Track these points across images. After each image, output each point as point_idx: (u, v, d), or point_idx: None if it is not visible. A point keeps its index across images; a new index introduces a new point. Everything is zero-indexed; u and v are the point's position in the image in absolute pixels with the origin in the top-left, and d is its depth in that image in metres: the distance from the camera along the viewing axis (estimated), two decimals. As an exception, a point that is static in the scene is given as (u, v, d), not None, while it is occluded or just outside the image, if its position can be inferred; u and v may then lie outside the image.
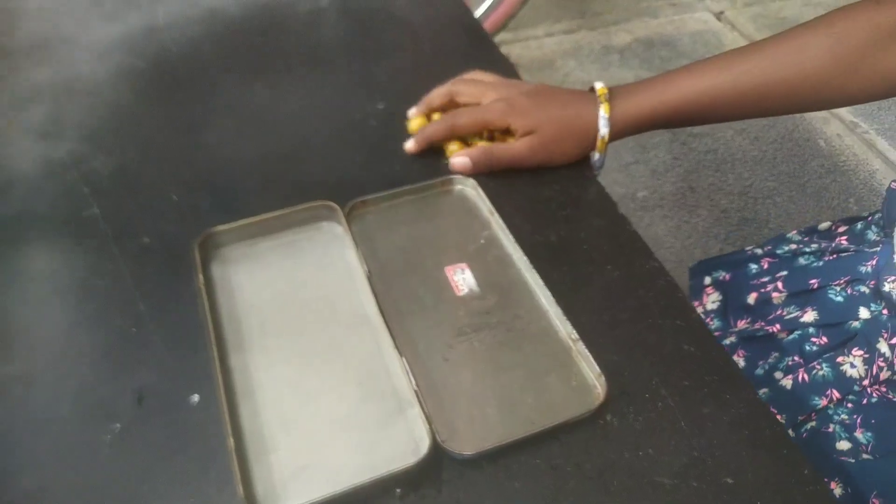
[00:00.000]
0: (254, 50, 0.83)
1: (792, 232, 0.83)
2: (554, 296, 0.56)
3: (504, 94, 0.67)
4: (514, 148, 0.66)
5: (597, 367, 0.51)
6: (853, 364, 0.67)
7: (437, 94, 0.70)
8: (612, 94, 0.67)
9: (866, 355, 0.67)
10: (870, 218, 0.76)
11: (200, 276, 0.56)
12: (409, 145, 0.69)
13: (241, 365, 0.52)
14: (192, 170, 0.68)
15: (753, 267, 0.81)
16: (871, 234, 0.74)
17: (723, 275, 0.83)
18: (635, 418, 0.50)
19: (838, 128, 1.96)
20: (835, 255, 0.75)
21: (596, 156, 0.69)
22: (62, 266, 0.60)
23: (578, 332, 0.54)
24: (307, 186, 0.65)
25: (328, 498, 0.44)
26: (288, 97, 0.76)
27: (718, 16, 2.45)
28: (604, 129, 0.67)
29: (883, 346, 0.66)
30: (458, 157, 0.66)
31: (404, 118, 0.73)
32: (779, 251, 0.80)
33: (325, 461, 0.47)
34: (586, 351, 0.52)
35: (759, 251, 0.82)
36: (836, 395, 0.66)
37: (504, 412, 0.50)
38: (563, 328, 0.54)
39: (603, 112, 0.66)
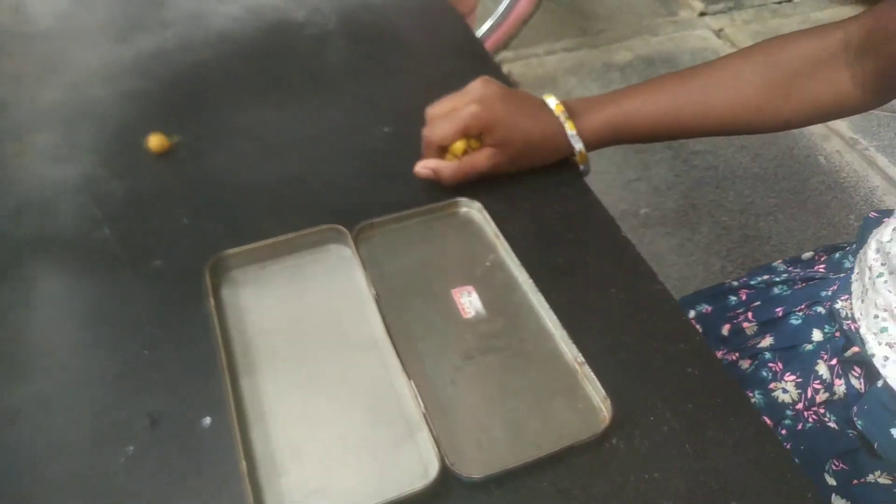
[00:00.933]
0: (262, 73, 0.84)
1: (778, 262, 0.84)
2: (559, 319, 0.57)
3: (478, 95, 0.67)
4: (478, 162, 0.67)
5: (602, 391, 0.52)
6: (785, 389, 0.68)
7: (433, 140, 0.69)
8: (571, 110, 0.70)
9: (799, 379, 0.68)
10: (847, 248, 0.77)
11: (211, 300, 0.57)
12: (420, 170, 0.70)
13: (252, 388, 0.53)
14: (201, 193, 0.69)
15: (732, 299, 0.82)
16: (847, 263, 0.75)
17: (704, 308, 0.84)
18: (641, 441, 0.51)
19: (838, 144, 1.98)
20: (803, 284, 0.76)
21: (581, 167, 0.72)
22: (75, 288, 0.61)
23: (584, 355, 0.54)
24: (315, 209, 0.66)
25: (339, 521, 0.45)
26: (296, 120, 0.77)
27: (718, 33, 2.47)
28: (578, 145, 0.69)
29: (821, 368, 0.67)
30: (424, 169, 0.68)
31: (410, 141, 0.74)
32: (752, 282, 0.81)
33: (336, 484, 0.48)
34: (592, 374, 0.53)
35: (736, 283, 0.83)
36: (768, 422, 0.66)
37: (511, 435, 0.50)
38: (569, 351, 0.55)
39: (569, 129, 0.69)
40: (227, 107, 0.79)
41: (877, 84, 0.65)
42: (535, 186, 0.71)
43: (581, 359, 0.54)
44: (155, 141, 0.70)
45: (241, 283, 0.60)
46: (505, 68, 2.22)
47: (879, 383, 0.62)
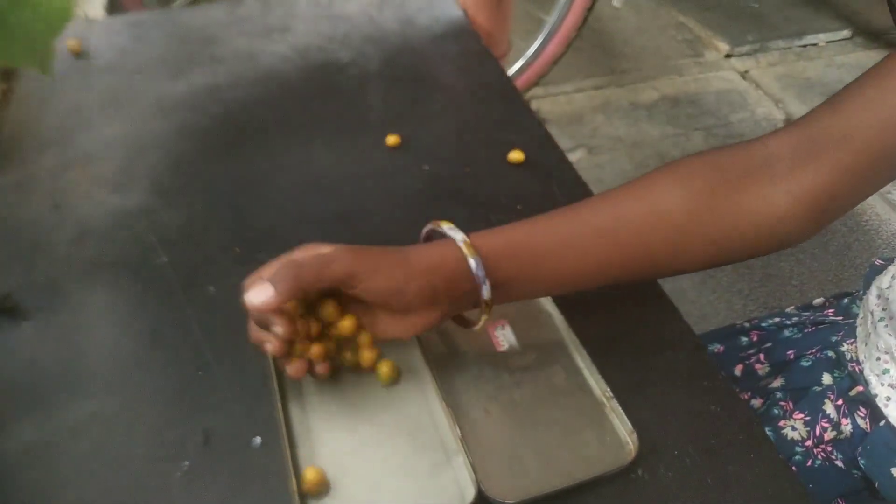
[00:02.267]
0: (308, 111, 0.89)
1: (790, 308, 0.86)
2: (589, 354, 0.60)
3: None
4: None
5: (629, 424, 0.55)
6: (794, 427, 0.70)
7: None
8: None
9: (808, 417, 0.70)
10: (856, 293, 0.80)
11: (264, 326, 0.61)
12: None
13: (300, 411, 0.56)
14: (253, 225, 0.73)
15: (744, 339, 0.84)
16: (855, 309, 0.78)
17: (717, 347, 0.85)
18: (665, 473, 0.54)
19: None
20: (813, 328, 0.78)
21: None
22: (133, 311, 0.65)
23: (611, 389, 0.58)
24: (359, 242, 0.69)
25: (380, 539, 0.48)
26: (341, 158, 0.82)
27: (743, 75, 2.51)
28: (485, 290, 0.53)
29: (828, 407, 0.69)
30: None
31: (448, 180, 0.78)
32: (764, 324, 0.83)
33: (378, 504, 0.51)
34: (619, 408, 0.56)
35: (747, 325, 0.85)
36: None
37: (542, 464, 0.54)
38: (598, 386, 0.58)
39: (475, 265, 0.53)
40: (276, 142, 0.84)
41: (810, 204, 0.55)
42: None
43: (609, 393, 0.57)
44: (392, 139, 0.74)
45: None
46: (534, 105, 2.27)
47: (882, 423, 0.64)
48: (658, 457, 0.55)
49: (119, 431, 0.56)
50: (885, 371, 0.66)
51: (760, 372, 0.79)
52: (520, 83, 2.02)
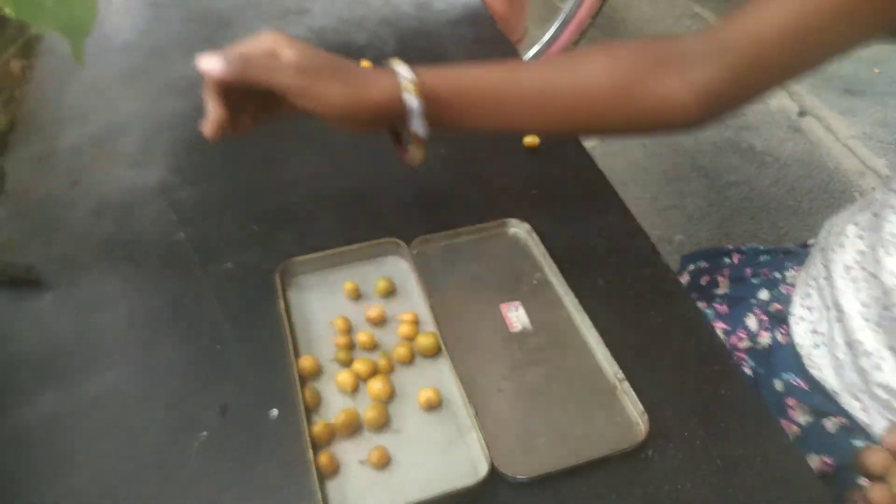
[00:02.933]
0: (325, 92, 0.89)
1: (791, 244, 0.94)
2: (602, 337, 0.61)
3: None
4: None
5: (640, 406, 0.56)
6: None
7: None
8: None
9: (728, 328, 0.80)
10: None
11: (282, 302, 0.62)
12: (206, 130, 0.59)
13: (315, 385, 0.57)
14: (269, 203, 0.74)
15: (726, 260, 0.91)
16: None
17: (703, 264, 0.93)
18: (674, 455, 0.55)
19: (873, 181, 1.99)
20: (783, 255, 0.86)
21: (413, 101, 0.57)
22: (152, 286, 0.66)
23: (623, 372, 0.58)
24: (376, 223, 0.71)
25: (395, 510, 0.49)
26: (359, 140, 0.82)
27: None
28: (416, 124, 0.57)
29: (751, 320, 0.78)
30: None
31: (463, 164, 0.78)
32: (744, 248, 0.91)
33: (394, 477, 0.52)
34: (631, 390, 0.57)
35: (731, 248, 0.92)
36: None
37: (554, 442, 0.54)
38: (610, 368, 0.59)
39: (411, 99, 0.56)
40: (294, 123, 0.84)
41: (702, 96, 0.61)
42: (581, 212, 0.75)
43: (621, 375, 0.58)
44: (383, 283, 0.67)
45: (306, 288, 0.65)
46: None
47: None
48: (667, 438, 0.56)
49: (138, 402, 0.57)
50: (808, 295, 0.73)
51: (721, 284, 0.85)
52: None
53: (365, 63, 0.60)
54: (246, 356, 0.60)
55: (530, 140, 0.82)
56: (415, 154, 0.60)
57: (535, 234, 0.70)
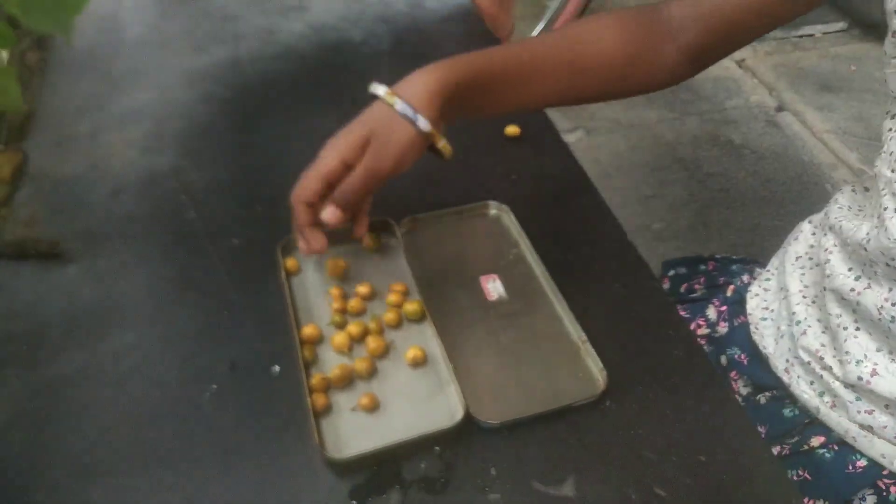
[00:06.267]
0: (324, 84, 0.97)
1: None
2: (568, 304, 0.68)
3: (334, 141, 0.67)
4: (353, 177, 0.65)
5: (600, 363, 0.63)
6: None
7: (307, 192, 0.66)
8: (397, 88, 0.66)
9: (688, 316, 0.87)
10: None
11: (283, 273, 0.69)
12: (326, 214, 0.65)
13: (313, 345, 0.65)
14: (272, 186, 0.81)
15: (702, 266, 0.98)
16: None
17: (682, 269, 0.99)
18: (630, 405, 0.62)
19: (845, 173, 2.07)
20: (752, 265, 0.94)
21: (440, 145, 0.68)
22: (166, 259, 0.73)
23: (587, 334, 0.66)
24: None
25: (382, 449, 0.56)
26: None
27: (740, 63, 2.58)
28: (420, 122, 0.64)
29: (710, 310, 0.86)
30: (326, 211, 0.65)
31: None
32: (718, 256, 0.98)
33: (381, 422, 0.59)
34: (592, 350, 0.64)
35: (707, 256, 0.99)
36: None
37: (523, 393, 0.62)
38: (574, 331, 0.67)
39: (398, 104, 0.64)
40: (292, 112, 0.92)
41: (690, 56, 0.73)
42: (555, 196, 0.82)
43: (584, 337, 0.65)
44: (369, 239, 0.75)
45: (305, 260, 0.72)
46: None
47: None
48: (624, 392, 0.63)
49: (155, 358, 0.64)
50: (766, 279, 0.82)
51: (697, 291, 0.93)
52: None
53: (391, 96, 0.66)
54: (251, 320, 0.67)
55: (511, 130, 0.90)
56: (443, 148, 0.68)
57: (512, 215, 0.78)
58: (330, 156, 0.65)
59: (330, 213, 0.64)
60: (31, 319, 0.67)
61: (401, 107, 0.63)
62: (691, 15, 0.72)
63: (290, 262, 0.71)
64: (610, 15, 0.73)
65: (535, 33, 2.09)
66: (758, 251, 1.81)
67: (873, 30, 2.67)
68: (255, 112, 0.92)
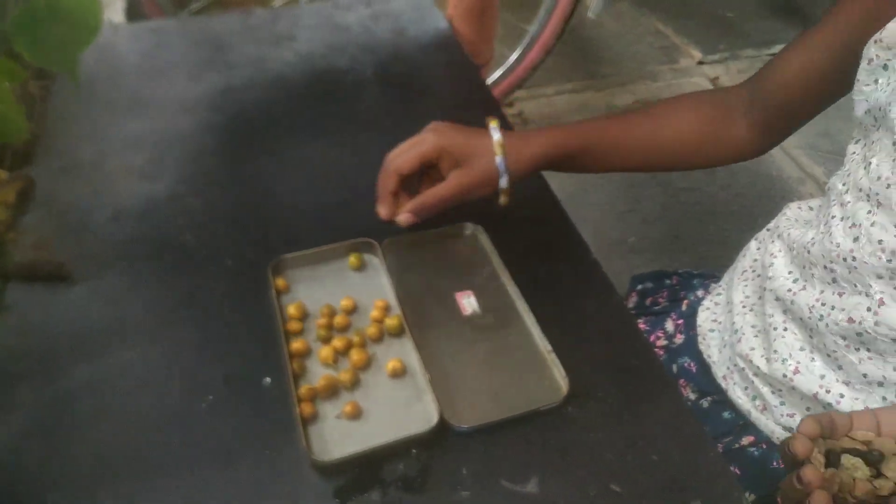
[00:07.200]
0: (312, 111, 1.03)
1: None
2: (536, 318, 0.74)
3: (432, 127, 0.76)
4: (440, 190, 0.75)
5: (563, 372, 0.69)
6: None
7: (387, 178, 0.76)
8: (508, 143, 0.75)
9: (648, 328, 0.94)
10: None
11: (273, 291, 0.75)
12: (402, 218, 0.75)
13: (301, 358, 0.71)
14: (263, 210, 0.87)
15: (667, 281, 1.04)
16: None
17: (648, 284, 1.05)
18: (590, 410, 0.68)
19: (812, 188, 2.16)
20: (711, 280, 1.00)
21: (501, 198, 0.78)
22: (166, 279, 0.79)
23: (553, 346, 0.72)
24: (353, 225, 0.83)
25: (364, 452, 0.63)
26: (340, 153, 0.96)
27: (713, 81, 2.66)
28: (503, 180, 0.75)
29: (668, 324, 0.93)
30: (403, 216, 0.75)
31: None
32: (681, 271, 1.04)
33: (363, 428, 0.66)
34: (557, 360, 0.70)
35: (671, 271, 1.05)
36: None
37: (493, 400, 0.68)
38: (541, 343, 0.73)
39: (498, 159, 0.74)
40: (284, 138, 0.98)
41: (763, 132, 0.82)
42: (526, 218, 0.88)
43: (549, 348, 0.71)
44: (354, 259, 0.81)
45: (294, 280, 0.78)
46: (517, 106, 2.41)
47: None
48: (586, 398, 0.69)
49: (156, 372, 0.70)
50: (718, 294, 0.90)
51: (661, 304, 1.00)
52: (503, 87, 2.16)
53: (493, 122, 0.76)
54: (244, 336, 0.73)
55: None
56: (504, 199, 0.78)
57: (486, 236, 0.84)
58: (431, 142, 0.74)
59: (405, 220, 0.75)
60: (42, 337, 0.72)
61: (499, 161, 0.74)
62: (750, 98, 0.81)
63: (280, 282, 0.77)
64: (690, 97, 0.85)
65: (513, 57, 2.16)
66: (727, 263, 1.88)
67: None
68: (249, 138, 0.97)
